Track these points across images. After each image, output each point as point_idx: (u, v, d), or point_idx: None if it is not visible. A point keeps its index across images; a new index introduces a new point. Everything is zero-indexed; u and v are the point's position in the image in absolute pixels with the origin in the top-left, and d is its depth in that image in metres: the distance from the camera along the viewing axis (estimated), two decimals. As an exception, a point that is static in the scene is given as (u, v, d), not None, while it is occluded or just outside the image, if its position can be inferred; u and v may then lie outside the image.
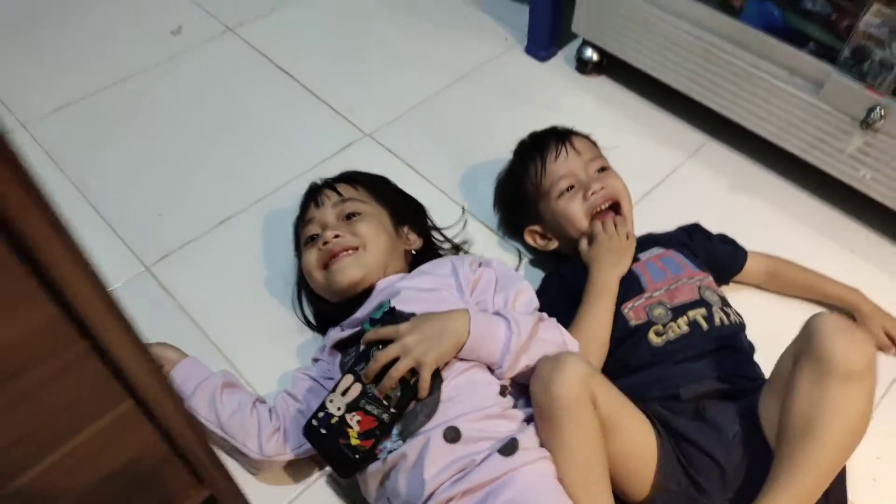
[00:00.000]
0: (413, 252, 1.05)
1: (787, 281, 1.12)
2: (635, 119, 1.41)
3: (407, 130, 1.38)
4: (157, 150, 1.34)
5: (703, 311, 0.94)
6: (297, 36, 1.57)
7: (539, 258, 1.17)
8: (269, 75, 1.49)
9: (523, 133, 1.18)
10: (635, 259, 1.01)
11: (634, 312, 0.95)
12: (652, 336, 0.93)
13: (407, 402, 0.80)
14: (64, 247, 0.31)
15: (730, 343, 0.93)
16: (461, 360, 0.83)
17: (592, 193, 1.05)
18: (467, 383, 0.82)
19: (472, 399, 0.81)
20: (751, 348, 0.96)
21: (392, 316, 0.84)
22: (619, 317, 0.95)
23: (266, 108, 1.42)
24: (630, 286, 0.98)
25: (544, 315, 0.90)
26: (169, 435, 0.45)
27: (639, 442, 0.81)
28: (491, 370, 0.84)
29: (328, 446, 0.81)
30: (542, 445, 0.79)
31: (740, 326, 0.97)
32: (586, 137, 1.15)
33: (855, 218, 1.24)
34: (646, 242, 1.05)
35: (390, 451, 0.80)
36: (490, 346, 0.82)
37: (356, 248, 0.96)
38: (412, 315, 0.84)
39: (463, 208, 1.23)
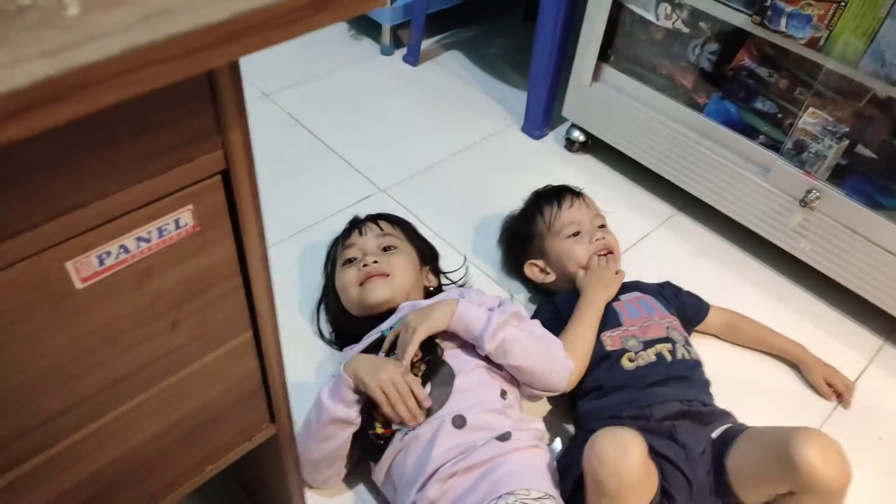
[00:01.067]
0: (430, 289, 1.23)
1: (741, 333, 1.31)
2: (615, 191, 1.62)
3: (417, 189, 1.58)
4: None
5: (668, 346, 1.12)
6: (324, 104, 1.79)
7: (533, 294, 1.35)
8: (298, 135, 1.69)
9: (518, 197, 1.38)
10: (616, 299, 1.20)
11: (611, 340, 1.13)
12: (625, 361, 1.10)
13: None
14: (252, 204, 0.48)
15: (689, 374, 1.10)
16: (467, 355, 1.00)
17: (596, 240, 1.25)
18: (475, 382, 0.98)
19: (478, 394, 0.97)
20: (706, 383, 1.14)
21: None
22: (598, 342, 1.13)
23: (294, 162, 1.61)
24: (610, 319, 1.16)
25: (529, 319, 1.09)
26: (265, 369, 0.61)
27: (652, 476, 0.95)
28: (496, 369, 1.01)
29: (362, 440, 0.96)
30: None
31: (698, 363, 1.14)
32: (592, 200, 1.36)
33: (798, 283, 1.44)
34: (628, 287, 1.24)
35: (406, 433, 0.94)
36: (475, 320, 0.99)
37: (388, 275, 1.13)
38: None
39: (465, 257, 1.42)
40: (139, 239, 0.44)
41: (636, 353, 1.10)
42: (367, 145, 1.68)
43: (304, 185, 1.56)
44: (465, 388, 0.97)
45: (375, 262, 1.14)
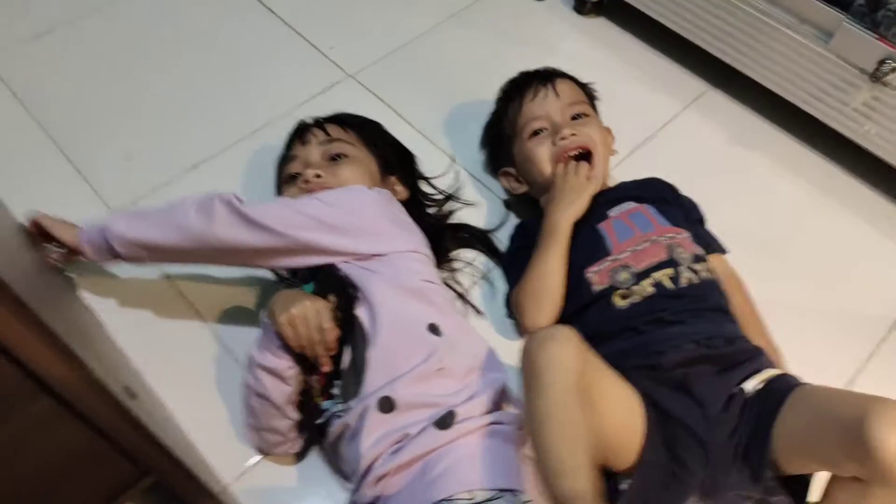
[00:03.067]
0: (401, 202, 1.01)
1: (737, 303, 0.97)
2: (633, 64, 1.35)
3: (393, 72, 1.32)
4: (126, 86, 1.27)
5: (669, 271, 0.90)
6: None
7: (517, 204, 1.13)
8: (248, 6, 1.40)
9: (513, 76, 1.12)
10: (604, 217, 0.97)
11: (598, 276, 0.92)
12: (616, 300, 0.89)
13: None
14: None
15: (701, 303, 0.89)
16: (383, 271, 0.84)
17: (562, 139, 1.00)
18: (398, 326, 0.81)
19: (403, 350, 0.80)
20: (725, 309, 0.91)
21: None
22: (582, 281, 0.92)
23: (244, 44, 1.35)
24: (595, 247, 0.94)
25: None
26: (98, 429, 0.42)
27: (626, 414, 0.79)
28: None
29: (307, 412, 0.85)
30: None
31: (711, 283, 0.92)
32: (575, 82, 1.09)
33: (855, 175, 1.21)
34: (619, 196, 1.00)
35: (338, 418, 0.80)
36: None
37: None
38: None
39: (453, 158, 1.18)
40: None
41: (629, 287, 0.89)
42: (330, 18, 1.40)
43: (258, 73, 1.31)
44: (385, 348, 0.79)
45: (318, 175, 0.95)
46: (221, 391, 0.93)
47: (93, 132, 1.20)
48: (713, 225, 1.04)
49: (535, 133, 1.02)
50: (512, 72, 1.13)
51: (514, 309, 0.98)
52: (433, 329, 0.82)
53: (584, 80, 1.12)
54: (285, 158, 1.03)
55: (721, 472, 0.77)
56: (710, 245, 1.00)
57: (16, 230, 0.86)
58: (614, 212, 0.97)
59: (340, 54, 1.33)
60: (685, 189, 1.06)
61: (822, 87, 1.13)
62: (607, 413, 0.76)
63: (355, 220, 0.88)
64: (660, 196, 1.02)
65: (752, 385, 0.81)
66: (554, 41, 1.38)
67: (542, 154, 1.01)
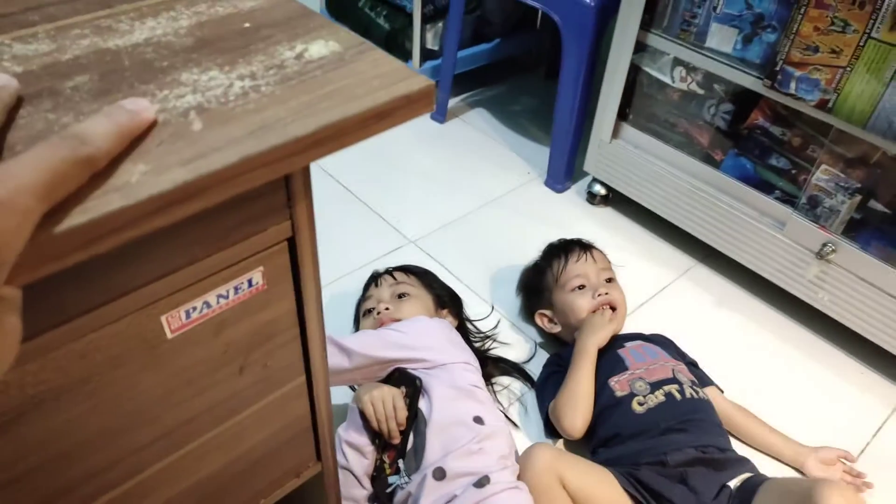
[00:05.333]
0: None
1: (739, 429, 1.23)
2: (635, 243, 1.68)
3: (444, 240, 1.65)
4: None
5: (675, 386, 1.16)
6: (357, 160, 1.88)
7: (545, 342, 1.40)
8: (331, 188, 1.78)
9: (541, 247, 1.45)
10: (621, 346, 1.25)
11: (619, 385, 1.17)
12: (635, 405, 1.14)
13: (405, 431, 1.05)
14: (312, 266, 0.56)
15: (701, 415, 1.13)
16: (442, 375, 1.09)
17: (598, 295, 1.30)
18: (450, 417, 1.04)
19: (454, 435, 1.01)
20: (720, 425, 1.16)
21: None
22: (606, 388, 1.17)
23: (326, 214, 1.68)
24: (615, 365, 1.21)
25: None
26: (314, 410, 0.68)
27: (611, 501, 1.02)
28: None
29: (378, 487, 1.05)
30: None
31: (708, 402, 1.17)
32: (603, 254, 1.42)
33: (818, 333, 1.47)
34: (632, 337, 1.29)
35: (402, 489, 1.02)
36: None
37: (399, 320, 1.21)
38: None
39: (492, 306, 1.48)
40: (219, 296, 0.51)
41: (644, 395, 1.14)
42: (396, 198, 1.77)
43: (337, 236, 1.64)
44: (440, 431, 1.02)
45: (387, 308, 1.22)
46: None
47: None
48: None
49: (577, 288, 1.32)
50: (538, 244, 1.45)
51: (552, 416, 1.21)
52: (478, 420, 1.05)
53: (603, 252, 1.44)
54: (363, 299, 1.32)
55: None
56: (705, 380, 1.27)
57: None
58: (629, 344, 1.25)
59: (404, 226, 1.69)
60: (679, 345, 1.34)
61: (783, 263, 1.45)
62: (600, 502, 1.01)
63: (421, 340, 1.14)
64: (662, 340, 1.31)
65: (734, 483, 1.05)
66: (571, 224, 1.72)
67: (584, 304, 1.30)
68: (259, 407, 0.62)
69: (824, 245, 1.35)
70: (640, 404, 1.14)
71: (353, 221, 1.69)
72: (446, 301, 1.34)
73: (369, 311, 1.26)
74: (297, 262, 0.55)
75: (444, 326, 1.22)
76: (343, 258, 1.58)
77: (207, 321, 0.51)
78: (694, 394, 1.16)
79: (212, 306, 0.51)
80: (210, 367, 0.55)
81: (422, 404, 1.06)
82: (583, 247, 1.39)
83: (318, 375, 0.65)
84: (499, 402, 1.28)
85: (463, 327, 1.34)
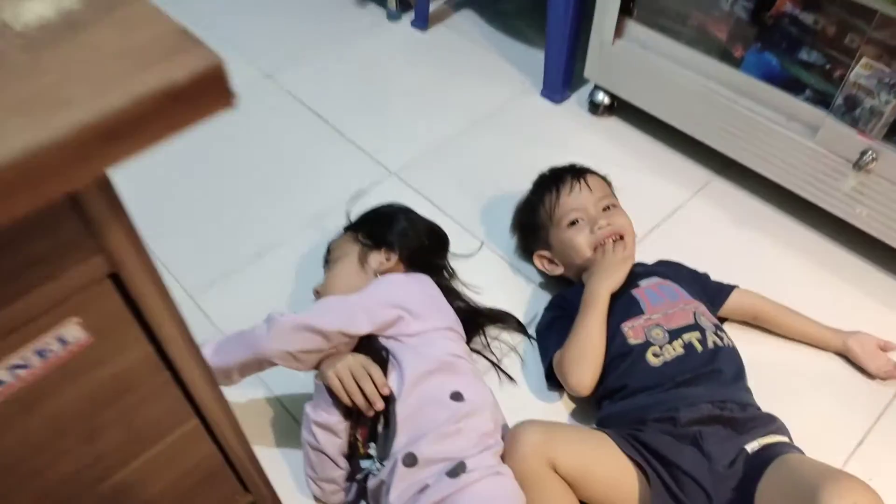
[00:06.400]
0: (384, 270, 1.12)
1: (771, 320, 1.17)
2: (644, 157, 1.49)
3: (430, 169, 1.48)
4: (199, 183, 1.46)
5: (697, 334, 1.01)
6: (327, 81, 1.69)
7: (547, 282, 1.26)
8: (303, 117, 1.60)
9: (538, 171, 1.27)
10: (635, 285, 1.09)
11: (633, 332, 1.03)
12: (650, 357, 1.00)
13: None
14: (160, 299, 0.40)
15: (723, 367, 0.99)
16: (418, 349, 0.95)
17: (599, 228, 1.14)
18: (426, 395, 0.91)
19: (428, 415, 0.89)
20: (743, 377, 1.02)
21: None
22: (619, 334, 1.03)
23: (299, 148, 1.53)
24: (630, 308, 1.05)
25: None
26: (223, 448, 0.55)
27: (613, 481, 0.90)
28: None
29: (354, 464, 0.95)
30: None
31: (732, 351, 1.03)
32: (601, 177, 1.24)
33: (854, 252, 1.30)
34: (646, 273, 1.13)
35: (374, 475, 0.91)
36: None
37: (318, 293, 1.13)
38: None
39: (482, 242, 1.33)
40: (14, 367, 0.36)
41: (661, 346, 1.00)
42: (375, 124, 1.58)
43: (308, 172, 1.48)
44: (412, 411, 0.90)
45: (317, 292, 1.14)
46: (283, 447, 1.05)
47: (169, 223, 1.38)
48: None
49: (573, 223, 1.15)
50: (535, 167, 1.28)
51: (557, 370, 1.07)
52: (456, 396, 0.92)
53: (602, 173, 1.26)
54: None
55: None
56: (724, 292, 1.15)
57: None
58: (644, 283, 1.10)
59: (384, 155, 1.51)
60: (694, 267, 1.19)
61: (815, 174, 1.26)
62: (600, 483, 0.90)
63: (398, 311, 0.98)
64: (679, 274, 1.15)
65: (751, 447, 0.91)
66: (572, 140, 1.54)
67: (582, 241, 1.14)
68: (141, 462, 0.49)
69: (864, 153, 1.16)
70: (656, 355, 1.00)
71: (326, 154, 1.53)
72: (374, 239, 1.14)
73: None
74: (136, 300, 0.39)
75: (421, 283, 1.07)
76: (316, 197, 1.42)
77: (5, 402, 0.37)
78: (718, 341, 1.01)
79: (5, 382, 0.36)
80: (39, 446, 0.41)
81: (391, 380, 0.93)
82: (575, 174, 1.20)
83: (216, 415, 0.51)
84: (492, 352, 1.15)
85: (430, 265, 1.17)
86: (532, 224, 1.23)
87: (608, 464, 0.91)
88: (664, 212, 1.39)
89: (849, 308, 1.22)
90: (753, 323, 1.18)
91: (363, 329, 0.95)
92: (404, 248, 1.14)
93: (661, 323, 1.02)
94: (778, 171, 1.31)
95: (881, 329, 1.17)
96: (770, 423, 0.95)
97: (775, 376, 1.10)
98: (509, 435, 0.93)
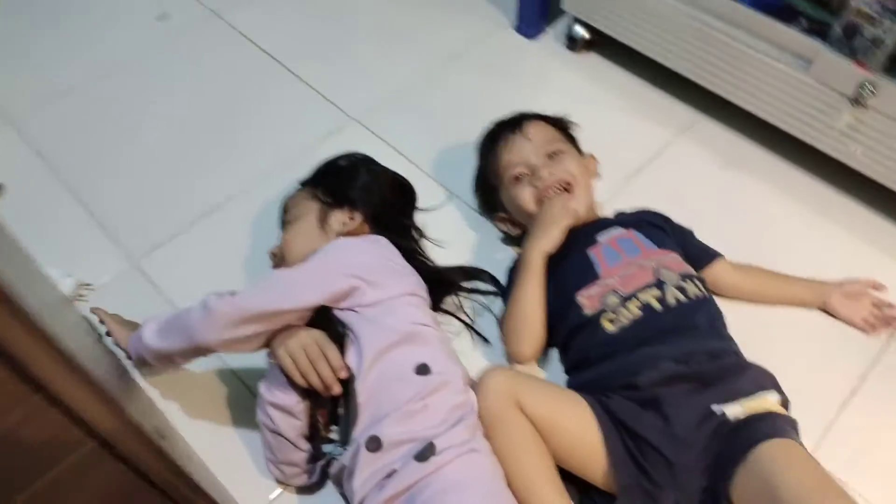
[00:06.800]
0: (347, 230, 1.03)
1: (749, 298, 1.07)
2: (626, 96, 1.39)
3: (394, 114, 1.37)
4: (139, 140, 1.33)
5: (656, 291, 0.92)
6: (281, 19, 1.55)
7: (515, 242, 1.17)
8: (254, 59, 1.47)
9: (514, 112, 1.17)
10: (593, 242, 1.00)
11: (589, 301, 0.95)
12: (605, 324, 0.92)
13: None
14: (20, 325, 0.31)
15: (690, 320, 0.90)
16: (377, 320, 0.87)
17: (539, 180, 1.05)
18: (388, 372, 0.83)
19: (390, 393, 0.82)
20: (713, 324, 0.93)
21: None
22: (573, 304, 0.95)
23: (252, 93, 1.41)
24: (585, 272, 0.97)
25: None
26: (137, 467, 0.46)
27: (577, 435, 0.83)
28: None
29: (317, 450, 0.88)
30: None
31: (699, 302, 0.94)
32: (550, 120, 1.13)
33: (848, 194, 1.23)
34: (608, 223, 1.04)
35: (337, 460, 0.84)
36: None
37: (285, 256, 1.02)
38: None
39: (451, 192, 1.23)
40: None
41: (615, 310, 0.92)
42: (334, 65, 1.46)
43: (264, 120, 1.36)
44: (374, 390, 0.83)
45: (275, 253, 1.06)
46: (241, 427, 0.97)
47: (110, 184, 1.26)
48: (711, 245, 1.08)
49: (517, 178, 1.07)
50: (508, 110, 1.17)
51: (501, 340, 1.03)
52: (422, 369, 0.84)
53: (568, 113, 1.16)
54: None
55: (690, 490, 0.80)
56: (705, 256, 1.05)
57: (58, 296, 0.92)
58: (603, 237, 1.01)
59: (344, 99, 1.39)
60: (681, 215, 1.10)
61: (807, 111, 1.17)
62: (563, 436, 0.83)
63: (352, 281, 0.88)
64: (646, 221, 1.05)
65: (734, 412, 0.82)
66: (547, 78, 1.43)
67: (526, 197, 1.05)
68: (38, 489, 0.40)
69: (862, 86, 1.08)
70: (612, 322, 0.92)
71: (280, 99, 1.40)
72: (335, 196, 1.04)
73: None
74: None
75: (377, 248, 0.97)
76: (270, 148, 1.31)
77: None
78: (680, 295, 0.92)
79: None
80: None
81: (350, 357, 0.85)
82: (513, 126, 1.11)
83: (118, 435, 0.42)
84: (465, 312, 1.07)
85: (396, 224, 1.08)
86: (485, 187, 1.15)
87: (576, 420, 0.84)
88: (647, 155, 1.30)
89: (841, 252, 1.16)
90: (729, 295, 1.07)
91: (311, 302, 0.86)
92: (368, 205, 1.04)
93: (618, 288, 0.94)
94: (768, 109, 1.22)
95: (876, 275, 1.11)
96: (751, 374, 0.87)
97: (760, 327, 1.03)
98: (479, 381, 0.87)
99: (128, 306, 1.02)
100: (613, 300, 0.93)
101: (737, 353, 0.91)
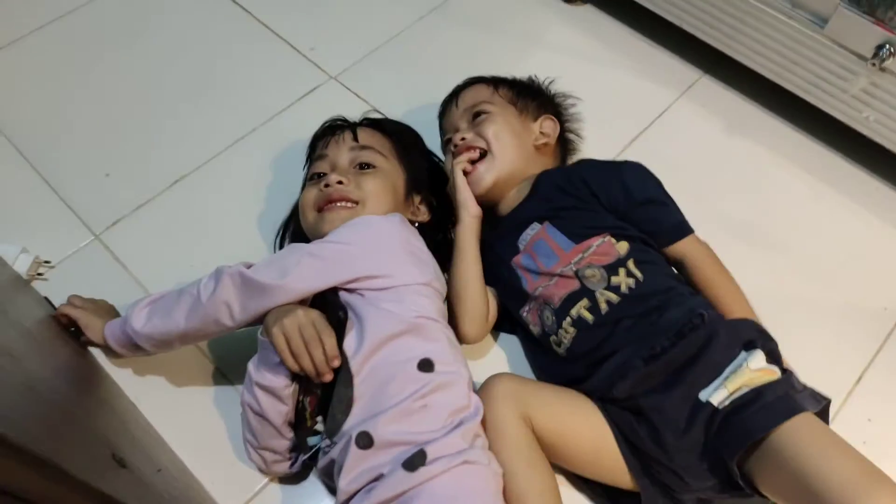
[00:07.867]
0: (416, 224, 0.96)
1: (700, 289, 0.89)
2: (624, 53, 1.30)
3: (375, 72, 1.27)
4: (98, 99, 1.23)
5: (585, 302, 0.84)
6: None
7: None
8: (225, 11, 1.35)
9: (503, 69, 1.09)
10: (515, 250, 0.92)
11: (532, 318, 0.90)
12: (554, 347, 0.87)
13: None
14: None
15: (635, 313, 0.83)
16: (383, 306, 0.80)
17: (454, 146, 0.98)
18: (380, 356, 0.78)
19: (389, 386, 0.76)
20: (665, 296, 0.84)
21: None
22: (523, 322, 0.91)
23: (222, 49, 1.30)
24: (516, 291, 0.91)
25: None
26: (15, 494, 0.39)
27: (595, 445, 0.80)
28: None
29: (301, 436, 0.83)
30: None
31: (636, 290, 0.84)
32: (479, 85, 1.05)
33: (856, 163, 1.17)
34: (525, 217, 0.94)
35: (325, 453, 0.79)
36: None
37: (356, 203, 0.89)
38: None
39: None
40: None
41: (556, 332, 0.86)
42: (311, 19, 1.35)
43: (237, 78, 1.27)
44: (372, 381, 0.77)
45: (341, 182, 0.90)
46: (222, 416, 0.91)
47: (66, 150, 1.16)
48: (711, 216, 0.99)
49: (445, 146, 1.02)
50: (496, 67, 1.10)
51: None
52: (425, 365, 0.78)
53: (560, 70, 1.09)
54: (311, 158, 0.99)
55: (705, 488, 0.77)
56: (674, 232, 0.91)
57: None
58: (522, 242, 0.92)
59: (321, 55, 1.29)
60: (680, 181, 0.97)
61: (819, 73, 1.10)
62: (577, 445, 0.80)
63: (371, 255, 0.83)
64: (571, 195, 0.93)
65: (719, 399, 0.76)
66: (540, 31, 1.33)
67: (449, 167, 0.98)
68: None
69: (881, 47, 1.01)
70: (558, 344, 0.86)
71: (253, 56, 1.30)
72: (423, 181, 0.98)
73: (317, 175, 0.94)
74: None
75: (401, 231, 0.88)
76: (242, 111, 1.21)
77: None
78: (612, 296, 0.84)
79: None
80: None
81: (349, 342, 0.78)
82: (451, 94, 1.06)
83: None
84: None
85: (437, 224, 0.99)
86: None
87: (588, 425, 0.80)
88: (647, 116, 1.22)
89: (848, 223, 1.10)
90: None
91: (359, 274, 0.81)
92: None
93: (548, 301, 0.87)
94: (777, 69, 1.15)
95: (883, 247, 1.06)
96: (722, 339, 0.78)
97: (766, 310, 0.97)
98: (482, 387, 0.83)
99: (90, 285, 0.95)
100: (549, 317, 0.87)
101: (700, 314, 0.80)
